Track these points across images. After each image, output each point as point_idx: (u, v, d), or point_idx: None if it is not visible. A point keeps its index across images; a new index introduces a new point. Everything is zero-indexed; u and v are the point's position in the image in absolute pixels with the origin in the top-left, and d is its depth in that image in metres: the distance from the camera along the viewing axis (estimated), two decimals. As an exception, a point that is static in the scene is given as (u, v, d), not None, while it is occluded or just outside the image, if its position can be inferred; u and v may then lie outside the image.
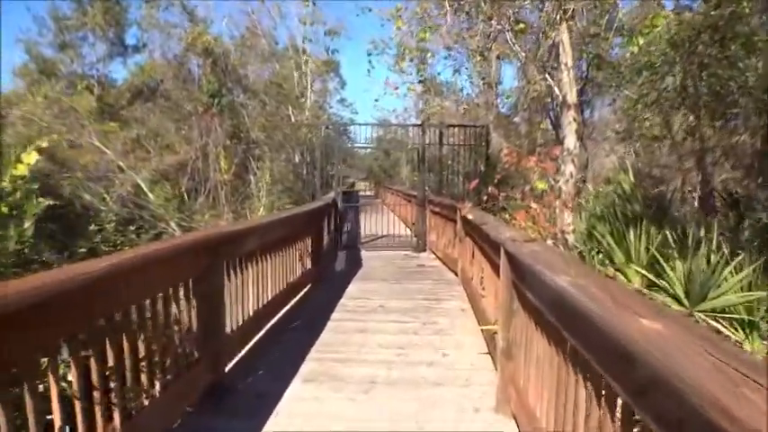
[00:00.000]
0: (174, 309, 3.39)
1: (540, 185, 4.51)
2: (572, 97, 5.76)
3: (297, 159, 17.21)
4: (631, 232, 4.33)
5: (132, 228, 10.21)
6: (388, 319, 5.74)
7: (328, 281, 7.72)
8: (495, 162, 11.80)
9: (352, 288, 7.31)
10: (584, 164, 6.17)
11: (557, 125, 10.64)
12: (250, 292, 4.72)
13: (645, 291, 4.30)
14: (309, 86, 21.05)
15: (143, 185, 12.45)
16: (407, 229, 13.51)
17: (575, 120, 5.69)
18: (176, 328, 3.42)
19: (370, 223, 12.81)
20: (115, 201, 11.57)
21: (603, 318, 1.63)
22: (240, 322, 4.44)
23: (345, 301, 6.57)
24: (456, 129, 11.39)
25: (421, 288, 7.37)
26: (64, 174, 11.28)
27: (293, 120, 18.02)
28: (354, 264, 9.32)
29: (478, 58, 6.38)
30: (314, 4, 22.44)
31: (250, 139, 15.38)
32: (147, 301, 2.94)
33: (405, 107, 24.01)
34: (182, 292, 3.47)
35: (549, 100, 11.22)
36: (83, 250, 8.36)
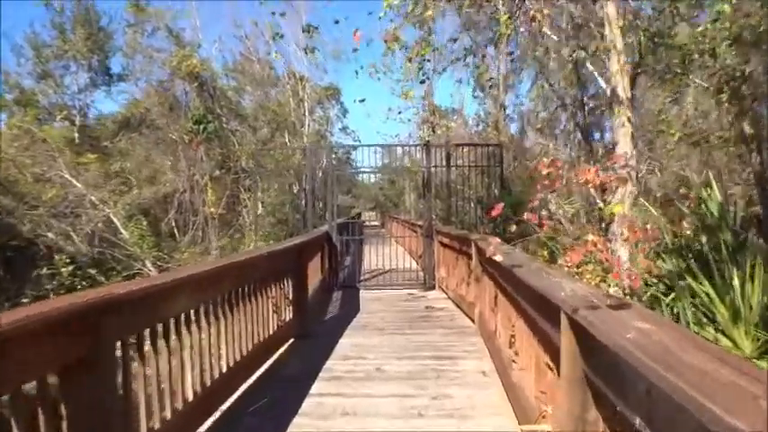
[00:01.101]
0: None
1: (617, 208, 3.15)
2: (624, 90, 4.42)
3: (295, 189, 16.00)
4: (735, 275, 2.92)
5: (94, 271, 8.83)
6: (386, 392, 4.31)
7: (315, 334, 6.29)
8: (510, 186, 10.51)
9: (345, 343, 5.88)
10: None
11: (586, 134, 9.26)
12: (188, 369, 3.34)
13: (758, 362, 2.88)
14: (307, 112, 19.95)
15: (116, 221, 11.15)
16: (413, 262, 12.06)
17: (629, 120, 4.34)
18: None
19: (374, 256, 11.32)
20: (82, 239, 10.24)
21: None
22: (168, 416, 3.06)
23: (333, 363, 5.14)
24: (465, 148, 10.07)
25: (429, 341, 5.92)
26: (25, 210, 9.98)
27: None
28: (351, 308, 7.89)
29: (505, 22, 4.98)
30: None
31: (240, 169, 14.13)
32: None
33: (408, 132, 22.80)
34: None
35: (578, 101, 9.75)
36: (26, 300, 7.00)
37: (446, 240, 8.50)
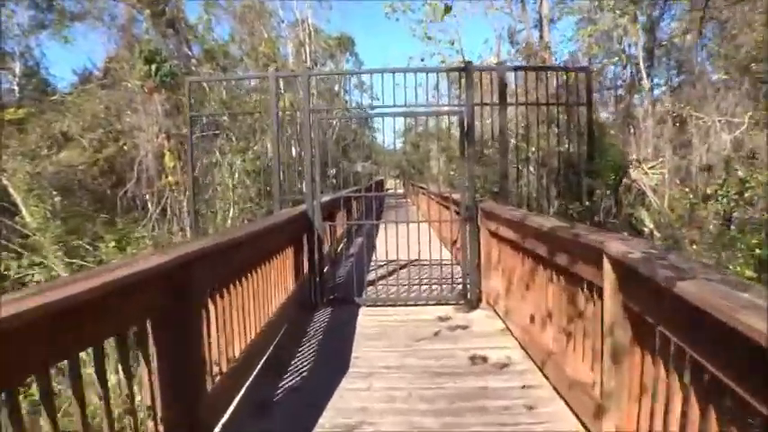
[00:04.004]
0: None
1: None
2: None
3: (294, 151, 12.44)
4: None
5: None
6: None
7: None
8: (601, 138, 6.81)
9: None
10: None
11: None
12: None
13: None
14: (308, 58, 16.21)
15: (17, 197, 7.66)
16: (444, 249, 8.19)
17: None
18: None
19: (389, 239, 7.22)
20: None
21: None
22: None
23: None
24: (529, 74, 6.14)
25: None
26: None
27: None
28: (332, 363, 4.28)
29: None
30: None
31: (208, 123, 10.52)
32: None
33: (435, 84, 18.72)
34: None
35: None
36: None
37: (508, 233, 4.76)
